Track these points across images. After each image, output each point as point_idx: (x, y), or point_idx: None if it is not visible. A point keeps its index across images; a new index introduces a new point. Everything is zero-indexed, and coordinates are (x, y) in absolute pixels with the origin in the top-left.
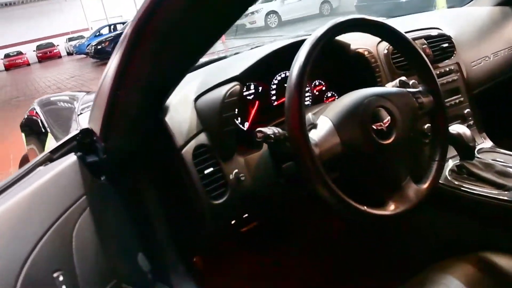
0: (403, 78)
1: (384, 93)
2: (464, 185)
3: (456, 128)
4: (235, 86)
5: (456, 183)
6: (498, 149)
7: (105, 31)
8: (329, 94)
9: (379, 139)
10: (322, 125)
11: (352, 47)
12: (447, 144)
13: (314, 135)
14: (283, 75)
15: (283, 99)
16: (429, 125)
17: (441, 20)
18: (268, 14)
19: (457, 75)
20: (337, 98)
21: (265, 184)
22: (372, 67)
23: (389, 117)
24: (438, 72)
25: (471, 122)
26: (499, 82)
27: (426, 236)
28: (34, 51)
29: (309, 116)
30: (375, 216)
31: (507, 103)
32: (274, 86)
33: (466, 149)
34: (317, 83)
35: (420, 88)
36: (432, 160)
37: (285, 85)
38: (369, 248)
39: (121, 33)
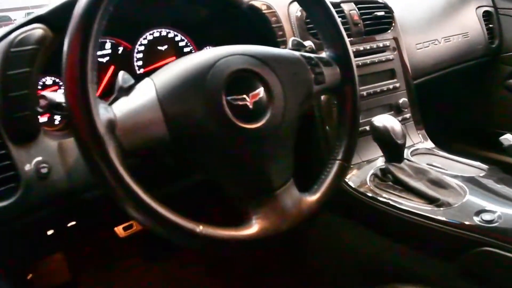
0: (305, 42)
1: (256, 52)
2: (385, 195)
3: (382, 120)
4: (33, 29)
5: (377, 191)
6: (438, 151)
7: None
8: None
9: (238, 120)
10: (139, 92)
11: None
12: (355, 137)
13: (118, 107)
14: (156, 34)
15: (151, 66)
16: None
17: None
18: None
19: (394, 54)
20: None
21: (89, 181)
22: (273, 29)
23: (260, 89)
24: (368, 47)
25: (408, 116)
26: (448, 74)
27: (337, 251)
28: None
29: (123, 76)
30: (218, 240)
31: (455, 99)
32: (140, 48)
33: (392, 148)
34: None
35: (322, 54)
36: (332, 160)
37: (159, 47)
38: (276, 256)
39: None
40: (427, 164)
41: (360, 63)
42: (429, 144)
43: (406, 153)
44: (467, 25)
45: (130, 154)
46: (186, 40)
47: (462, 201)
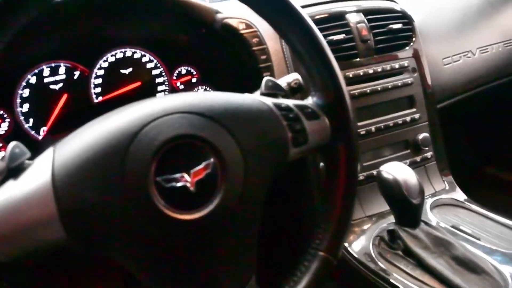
0: (289, 76)
1: (203, 107)
2: (391, 272)
3: (393, 170)
4: None
5: (381, 263)
6: (469, 204)
7: None
8: (201, 91)
9: (172, 210)
10: (30, 173)
11: (220, 15)
12: (347, 221)
13: None
14: (119, 55)
15: (111, 94)
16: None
17: None
18: None
19: (413, 76)
20: None
21: None
22: (253, 52)
23: (207, 162)
24: (380, 69)
25: (429, 155)
26: (484, 93)
27: None
28: None
29: (13, 150)
30: None
31: (493, 126)
32: (99, 72)
33: (405, 208)
34: (183, 71)
35: (307, 101)
36: (312, 249)
37: (123, 71)
38: None
39: None
40: (453, 227)
41: (368, 90)
42: (458, 193)
43: (425, 207)
44: (511, 31)
45: (7, 269)
46: (155, 61)
47: None
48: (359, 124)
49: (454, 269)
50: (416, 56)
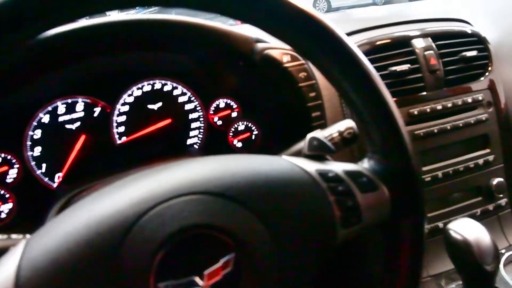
0: (340, 125)
1: (222, 185)
2: None
3: (462, 229)
4: None
5: None
6: None
7: None
8: (242, 127)
9: None
10: None
11: (261, 45)
12: None
13: None
14: (146, 88)
15: (137, 134)
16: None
17: (475, 9)
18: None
19: (488, 111)
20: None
21: None
22: (301, 90)
23: (227, 258)
24: (450, 105)
25: (503, 202)
26: None
27: None
28: None
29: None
30: None
31: None
32: (123, 109)
33: (475, 275)
34: (221, 104)
35: (363, 167)
36: None
37: (151, 106)
38: None
39: None
40: None
41: (436, 130)
42: None
43: (500, 262)
44: None
45: None
46: (189, 94)
47: None
48: (424, 169)
49: None
50: (492, 87)
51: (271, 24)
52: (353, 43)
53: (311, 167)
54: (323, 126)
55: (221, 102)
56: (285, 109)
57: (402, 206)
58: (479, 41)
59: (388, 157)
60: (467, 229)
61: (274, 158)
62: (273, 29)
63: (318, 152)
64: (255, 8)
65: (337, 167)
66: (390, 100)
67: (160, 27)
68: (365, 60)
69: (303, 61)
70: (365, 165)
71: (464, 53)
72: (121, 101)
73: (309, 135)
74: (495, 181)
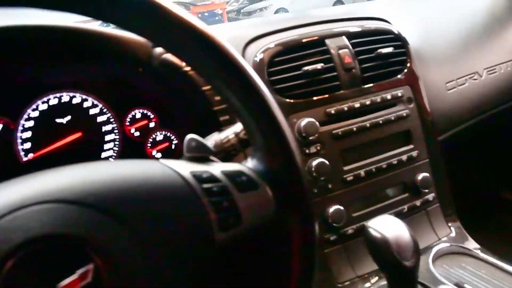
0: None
1: (81, 192)
2: None
3: (381, 226)
4: None
5: None
6: (479, 252)
7: None
8: (161, 137)
9: None
10: None
11: (159, 50)
12: None
13: None
14: (53, 101)
15: (45, 150)
16: None
17: (394, 8)
18: (277, 11)
19: (409, 107)
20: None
21: None
22: (204, 92)
23: (88, 268)
24: (368, 102)
25: (431, 197)
26: (494, 117)
27: None
28: None
29: None
30: None
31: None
32: (28, 124)
33: (396, 272)
34: (137, 115)
35: (245, 167)
36: None
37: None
38: None
39: None
40: (457, 285)
41: (355, 128)
42: (466, 240)
43: (426, 258)
44: None
45: None
46: (100, 106)
47: None
48: (345, 168)
49: None
50: (412, 83)
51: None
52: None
53: (186, 169)
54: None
55: (137, 113)
56: (194, 114)
57: (287, 205)
58: (395, 38)
59: (269, 155)
60: (385, 226)
61: (146, 162)
62: (138, 29)
63: (197, 153)
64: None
65: (216, 167)
66: (270, 98)
67: (52, 34)
68: (239, 58)
69: None
70: (248, 164)
71: (380, 50)
72: (25, 116)
73: (188, 136)
74: (420, 176)
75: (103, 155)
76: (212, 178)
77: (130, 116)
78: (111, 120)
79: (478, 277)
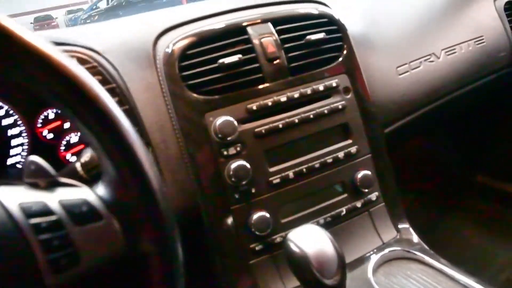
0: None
1: None
2: None
3: (300, 239)
4: None
5: None
6: (425, 256)
7: (102, 4)
8: (76, 139)
9: None
10: None
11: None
12: None
13: None
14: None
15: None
16: None
17: None
18: None
19: (346, 98)
20: None
21: None
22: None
23: None
24: (296, 95)
25: (373, 196)
26: (454, 100)
27: None
28: (31, 23)
29: None
30: None
31: (467, 130)
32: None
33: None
34: (50, 116)
35: (86, 194)
36: None
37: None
38: None
39: (114, 7)
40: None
41: (281, 125)
42: (415, 243)
43: (366, 266)
44: (482, 26)
45: None
46: (6, 107)
47: None
48: (271, 170)
49: None
50: (350, 72)
51: None
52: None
53: (14, 199)
54: (138, 133)
55: (50, 113)
56: None
57: (140, 238)
58: (329, 22)
59: (120, 184)
60: (307, 238)
61: None
62: None
63: (37, 178)
64: None
65: (54, 196)
66: (122, 119)
67: None
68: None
69: (94, 63)
70: (98, 190)
71: (309, 37)
72: (41, 117)
73: (29, 158)
74: (360, 174)
75: (9, 161)
76: (43, 211)
77: (42, 117)
78: (19, 122)
79: (422, 284)
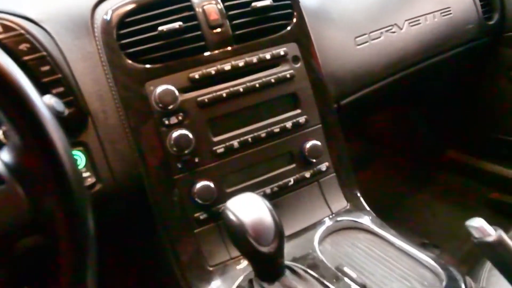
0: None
1: None
2: None
3: (238, 207)
4: None
5: None
6: (373, 225)
7: None
8: None
9: None
10: None
11: None
12: None
13: None
14: None
15: None
16: None
17: None
18: None
19: (296, 67)
20: None
21: None
22: (26, 63)
23: None
24: (241, 64)
25: (323, 167)
26: (423, 70)
27: None
28: None
29: None
30: None
31: (438, 100)
32: None
33: (256, 258)
34: None
35: None
36: None
37: None
38: None
39: None
40: (337, 269)
41: (225, 94)
42: (365, 213)
43: (316, 233)
44: None
45: None
46: None
47: None
48: (215, 139)
49: None
50: (300, 40)
51: None
52: None
53: None
54: (75, 102)
55: None
56: None
57: (44, 200)
58: None
59: (22, 148)
60: (244, 208)
61: None
62: None
63: None
64: None
65: None
66: (23, 83)
67: None
68: None
69: (21, 31)
70: (2, 156)
71: (255, 4)
72: None
73: None
74: (309, 144)
75: None
76: None
77: None
78: None
79: (368, 256)
